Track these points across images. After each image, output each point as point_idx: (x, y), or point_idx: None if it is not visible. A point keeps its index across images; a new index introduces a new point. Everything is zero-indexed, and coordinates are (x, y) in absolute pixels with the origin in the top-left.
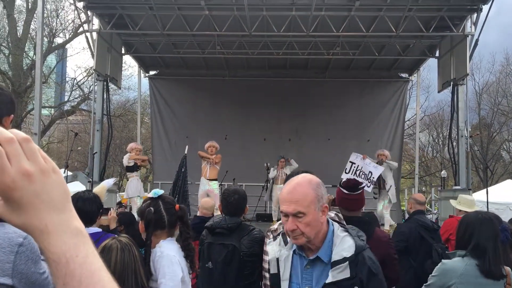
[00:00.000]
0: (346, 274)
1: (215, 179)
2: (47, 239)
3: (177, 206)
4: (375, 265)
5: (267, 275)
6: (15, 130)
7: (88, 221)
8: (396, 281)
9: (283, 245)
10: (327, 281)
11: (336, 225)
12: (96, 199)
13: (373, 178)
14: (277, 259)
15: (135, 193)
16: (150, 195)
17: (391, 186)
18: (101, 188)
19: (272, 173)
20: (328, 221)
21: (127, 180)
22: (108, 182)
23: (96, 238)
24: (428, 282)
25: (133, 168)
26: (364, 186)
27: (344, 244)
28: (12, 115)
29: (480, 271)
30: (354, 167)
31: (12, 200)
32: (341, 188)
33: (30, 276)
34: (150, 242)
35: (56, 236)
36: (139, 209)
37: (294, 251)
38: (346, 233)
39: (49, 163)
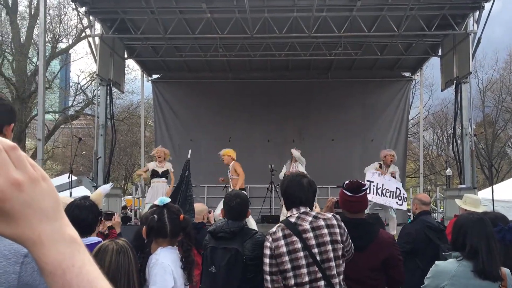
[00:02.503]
0: None
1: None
2: (41, 250)
3: (181, 216)
4: None
5: (268, 277)
6: (0, 138)
7: (86, 230)
8: (401, 283)
9: None
10: None
11: None
12: (93, 207)
13: (404, 194)
14: None
15: (151, 199)
16: (157, 202)
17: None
18: (98, 195)
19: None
20: None
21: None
22: (105, 188)
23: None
24: (424, 284)
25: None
26: (367, 188)
27: None
28: (13, 124)
29: (473, 273)
30: (374, 185)
31: (2, 211)
32: (344, 190)
33: (36, 287)
34: (149, 249)
35: (50, 246)
36: (144, 214)
37: None
38: None
39: (38, 170)
